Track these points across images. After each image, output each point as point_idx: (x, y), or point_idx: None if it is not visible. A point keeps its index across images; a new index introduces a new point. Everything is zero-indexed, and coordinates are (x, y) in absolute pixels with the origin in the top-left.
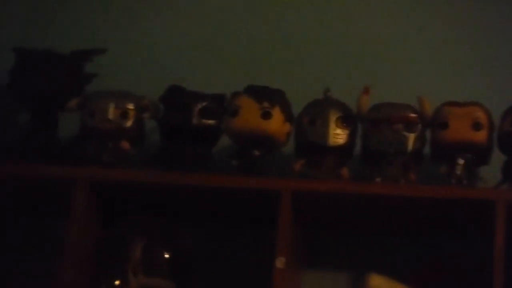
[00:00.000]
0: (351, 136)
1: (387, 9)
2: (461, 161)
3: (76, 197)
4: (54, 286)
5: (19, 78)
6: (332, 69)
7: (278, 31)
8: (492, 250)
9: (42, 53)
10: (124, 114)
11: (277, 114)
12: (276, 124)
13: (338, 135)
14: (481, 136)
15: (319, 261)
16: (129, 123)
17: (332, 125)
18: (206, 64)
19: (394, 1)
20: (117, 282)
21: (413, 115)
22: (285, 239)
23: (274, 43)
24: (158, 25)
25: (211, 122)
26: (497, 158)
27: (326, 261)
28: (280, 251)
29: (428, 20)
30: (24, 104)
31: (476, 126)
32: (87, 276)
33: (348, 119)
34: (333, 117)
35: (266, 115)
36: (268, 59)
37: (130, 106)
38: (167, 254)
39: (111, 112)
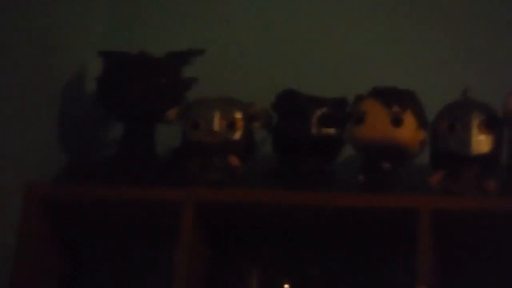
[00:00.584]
0: (497, 143)
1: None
2: None
3: (183, 222)
4: None
5: (109, 86)
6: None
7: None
8: None
9: (134, 57)
10: (232, 125)
11: (409, 120)
12: (409, 131)
13: (482, 142)
14: None
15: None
16: (237, 135)
17: (475, 130)
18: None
19: None
20: None
21: None
22: (426, 265)
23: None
24: (263, 19)
25: (332, 131)
26: None
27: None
28: (421, 279)
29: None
30: (116, 116)
31: None
32: None
33: (492, 123)
34: (475, 121)
35: (397, 121)
36: None
37: (238, 115)
38: (287, 284)
39: (217, 123)
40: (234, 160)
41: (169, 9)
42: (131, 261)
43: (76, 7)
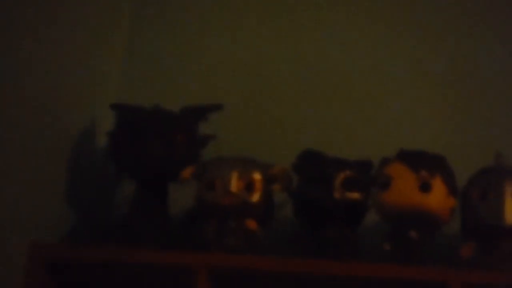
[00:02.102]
0: None
1: None
2: None
3: None
4: None
5: (121, 142)
6: None
7: None
8: None
9: (147, 111)
10: (250, 186)
11: (438, 186)
12: (438, 198)
13: None
14: None
15: None
16: (255, 197)
17: (509, 199)
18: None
19: None
20: None
21: None
22: None
23: None
24: (283, 76)
25: (356, 195)
26: None
27: None
28: None
29: None
30: (128, 174)
31: None
32: None
33: None
34: (510, 188)
35: (425, 187)
36: None
37: (257, 176)
38: None
39: (234, 184)
40: (252, 224)
41: (185, 62)
42: None
43: (90, 60)
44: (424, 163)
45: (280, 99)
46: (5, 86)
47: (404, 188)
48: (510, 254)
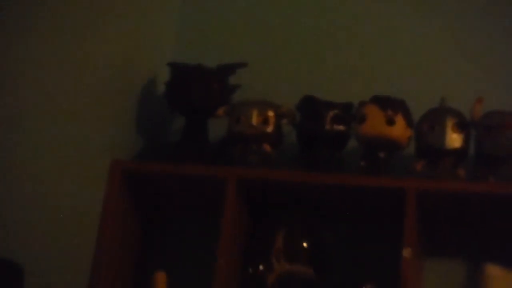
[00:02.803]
0: (466, 140)
1: None
2: None
3: (227, 194)
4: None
5: (175, 89)
6: None
7: None
8: None
9: (193, 68)
10: (266, 121)
11: (400, 121)
12: (399, 129)
13: (455, 139)
14: None
15: (440, 251)
16: (270, 129)
17: (449, 130)
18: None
19: None
20: (261, 267)
21: None
22: (411, 232)
23: None
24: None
25: (341, 128)
26: None
27: (446, 252)
28: (407, 243)
29: None
30: (179, 112)
31: None
32: (238, 262)
33: (463, 125)
34: (449, 123)
35: (391, 122)
36: None
37: (271, 114)
38: (306, 243)
39: (255, 119)
40: (267, 148)
41: (222, 29)
42: (190, 224)
43: (151, 28)
44: (389, 104)
45: (291, 59)
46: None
47: (375, 122)
48: (449, 168)
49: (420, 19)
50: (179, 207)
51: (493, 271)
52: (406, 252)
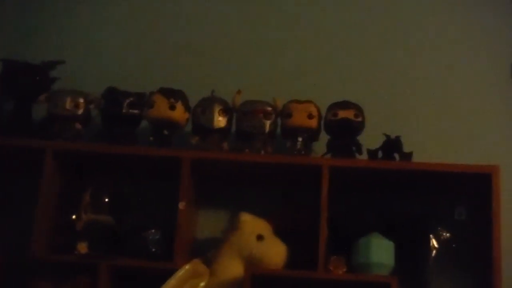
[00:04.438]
0: (229, 121)
1: None
2: (300, 139)
3: (46, 162)
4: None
5: (7, 79)
6: None
7: None
8: (319, 200)
9: (22, 63)
10: (77, 105)
11: (180, 107)
12: (179, 113)
13: (220, 121)
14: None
15: (210, 204)
16: (80, 111)
17: (216, 114)
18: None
19: None
20: (73, 217)
21: (269, 108)
22: (186, 189)
23: None
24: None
25: (135, 111)
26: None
27: (214, 204)
28: (182, 198)
29: None
30: (10, 97)
31: (310, 116)
32: (55, 213)
33: (226, 110)
34: (217, 108)
35: (173, 107)
36: None
37: (81, 100)
38: (107, 198)
39: (68, 104)
40: (78, 126)
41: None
42: (17, 187)
43: None
44: (172, 94)
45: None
46: None
47: (161, 107)
48: (217, 142)
49: None
50: (8, 172)
51: (245, 216)
52: (181, 205)
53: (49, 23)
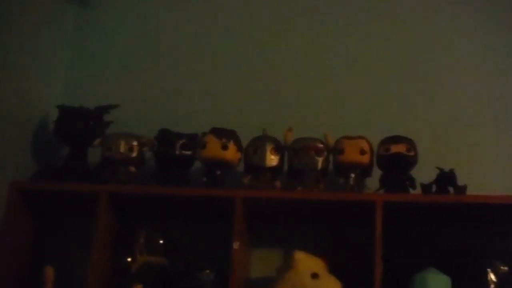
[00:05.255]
0: (281, 160)
1: None
2: (352, 175)
3: (101, 205)
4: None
5: (61, 125)
6: None
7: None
8: (373, 236)
9: (75, 109)
10: (131, 148)
11: (232, 147)
12: (232, 153)
13: (272, 159)
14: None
15: (262, 243)
16: (134, 154)
17: (268, 152)
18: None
19: None
20: (128, 259)
21: (320, 145)
22: (239, 228)
23: None
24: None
25: (188, 153)
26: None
27: (267, 243)
28: (236, 237)
29: None
30: (65, 142)
31: (362, 152)
32: (109, 256)
33: (278, 149)
34: (269, 147)
35: (225, 147)
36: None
37: (135, 143)
38: (161, 240)
39: (122, 147)
40: (132, 169)
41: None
42: (72, 229)
43: (41, 67)
44: (224, 134)
45: None
46: None
47: (213, 148)
48: (269, 181)
49: None
50: (64, 216)
51: (299, 255)
52: (236, 245)
53: (103, 69)
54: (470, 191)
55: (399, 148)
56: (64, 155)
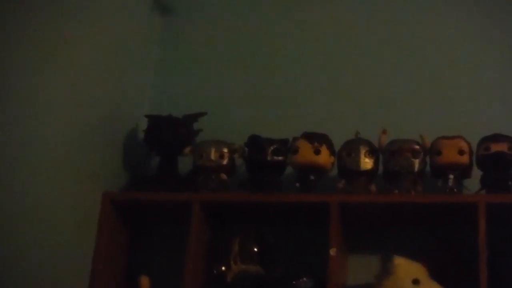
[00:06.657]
0: (376, 163)
1: None
2: (451, 176)
3: (194, 214)
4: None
5: (151, 135)
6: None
7: None
8: (476, 239)
9: (164, 117)
10: (222, 156)
11: (324, 151)
12: (325, 157)
13: (367, 163)
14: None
15: (359, 248)
16: (225, 162)
17: (362, 156)
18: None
19: None
20: (223, 268)
21: (417, 146)
22: (335, 235)
23: None
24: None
25: (280, 158)
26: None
27: (364, 249)
28: (333, 243)
29: None
30: (155, 152)
31: (461, 152)
32: (204, 265)
33: (373, 152)
34: (363, 150)
35: (317, 152)
36: None
37: (225, 150)
38: (256, 248)
39: (213, 155)
40: (223, 176)
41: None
42: (166, 238)
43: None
44: (316, 138)
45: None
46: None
47: (305, 153)
48: (364, 185)
49: None
50: (157, 225)
51: (399, 260)
52: (332, 251)
53: (192, 76)
54: None
55: (501, 147)
56: (154, 165)
